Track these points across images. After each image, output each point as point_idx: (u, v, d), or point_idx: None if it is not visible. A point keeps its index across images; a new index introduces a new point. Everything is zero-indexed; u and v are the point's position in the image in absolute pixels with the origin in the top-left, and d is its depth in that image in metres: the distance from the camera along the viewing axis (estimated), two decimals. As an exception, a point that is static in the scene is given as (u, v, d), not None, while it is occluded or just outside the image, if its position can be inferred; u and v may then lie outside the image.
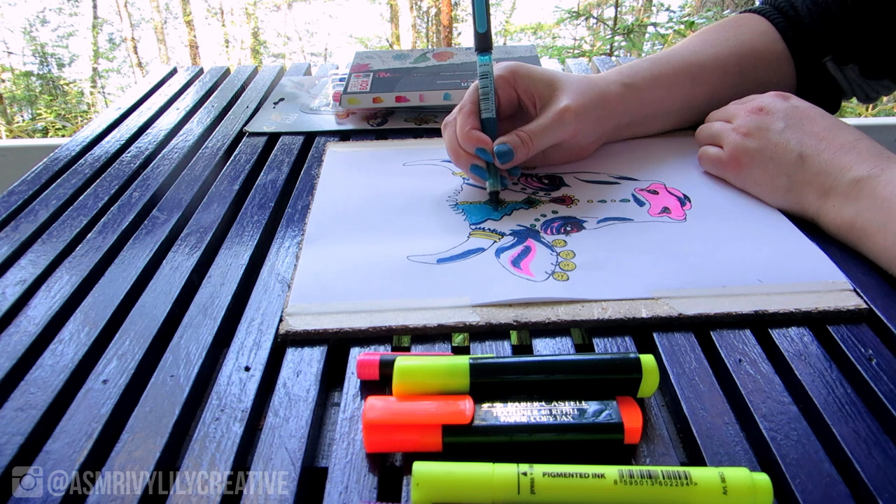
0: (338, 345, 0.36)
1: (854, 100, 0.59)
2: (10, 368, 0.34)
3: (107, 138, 0.64)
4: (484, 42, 0.48)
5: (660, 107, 0.55)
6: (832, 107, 0.57)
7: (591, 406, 0.29)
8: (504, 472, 0.26)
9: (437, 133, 0.63)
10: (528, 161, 0.51)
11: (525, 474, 0.26)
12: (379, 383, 0.33)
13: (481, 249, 0.43)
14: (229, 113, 0.70)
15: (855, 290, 0.38)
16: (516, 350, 0.36)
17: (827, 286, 0.38)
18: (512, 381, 0.31)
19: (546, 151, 0.52)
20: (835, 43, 0.55)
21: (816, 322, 0.36)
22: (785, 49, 0.56)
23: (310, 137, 0.63)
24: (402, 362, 0.31)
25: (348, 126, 0.65)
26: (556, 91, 0.49)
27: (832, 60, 0.56)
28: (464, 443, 0.28)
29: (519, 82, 0.50)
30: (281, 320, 0.37)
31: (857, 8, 0.53)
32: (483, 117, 0.48)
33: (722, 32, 0.57)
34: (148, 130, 0.66)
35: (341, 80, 0.69)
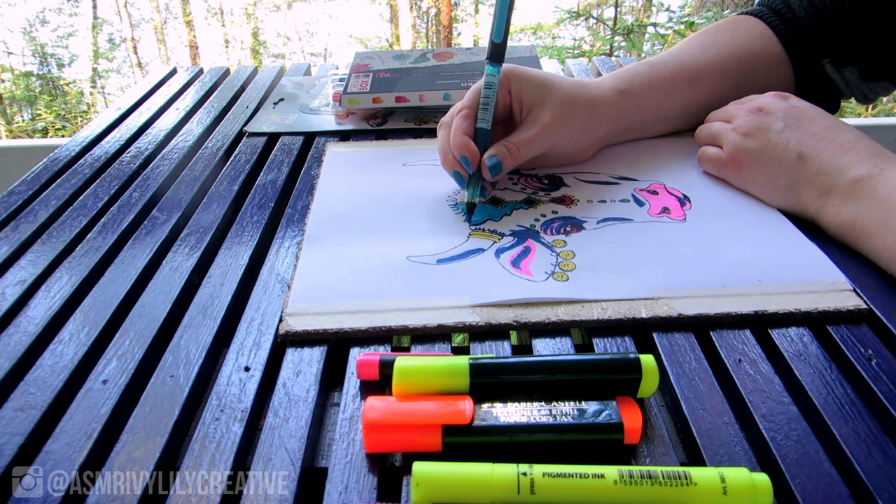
0: (338, 345, 0.36)
1: (853, 100, 0.59)
2: (10, 368, 0.34)
3: (107, 138, 0.64)
4: (497, 52, 0.47)
5: (657, 112, 0.55)
6: (831, 108, 0.57)
7: (590, 406, 0.29)
8: (504, 472, 0.26)
9: (436, 133, 0.63)
10: (526, 165, 0.51)
11: (525, 474, 0.26)
12: (379, 383, 0.33)
13: (481, 250, 0.43)
14: (229, 113, 0.70)
15: (855, 290, 0.38)
16: (516, 350, 0.36)
17: (827, 286, 0.38)
18: (512, 381, 0.31)
19: (541, 157, 0.51)
20: (833, 45, 0.55)
21: (816, 322, 0.36)
22: (782, 51, 0.56)
23: (310, 137, 0.63)
24: (402, 362, 0.31)
25: (348, 126, 0.65)
26: (543, 100, 0.49)
27: (830, 63, 0.55)
28: (464, 443, 0.28)
29: (512, 85, 0.50)
30: (281, 320, 0.37)
31: (856, 9, 0.53)
32: (478, 126, 0.48)
33: (719, 35, 0.57)
34: (148, 131, 0.66)
35: (341, 80, 0.69)
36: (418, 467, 0.26)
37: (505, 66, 0.50)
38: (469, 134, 0.47)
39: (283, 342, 0.36)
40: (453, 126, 0.48)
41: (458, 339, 0.39)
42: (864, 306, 0.37)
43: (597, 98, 0.51)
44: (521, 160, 0.48)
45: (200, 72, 0.84)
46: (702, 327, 0.36)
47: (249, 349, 0.35)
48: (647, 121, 0.55)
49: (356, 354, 0.35)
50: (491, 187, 0.50)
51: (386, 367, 0.33)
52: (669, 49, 0.58)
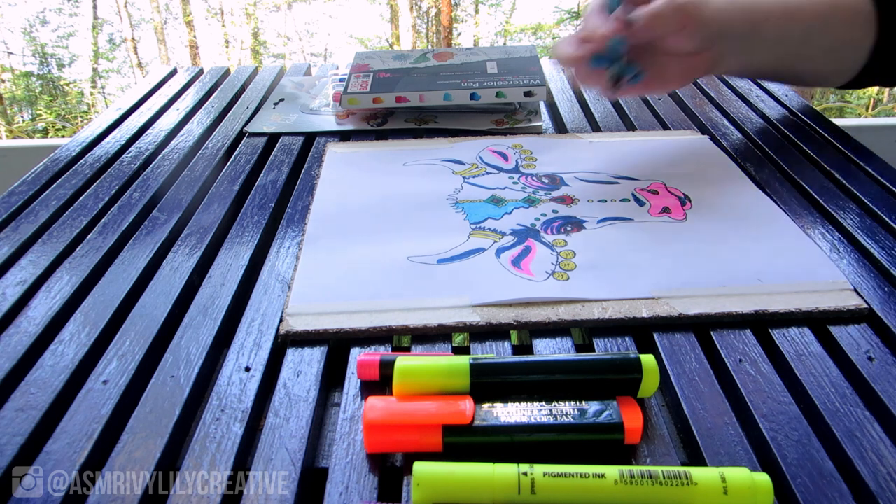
0: (338, 345, 0.36)
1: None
2: (10, 369, 0.34)
3: (107, 139, 0.64)
4: None
5: (759, 29, 0.53)
6: None
7: (591, 406, 0.29)
8: (504, 472, 0.26)
9: (437, 133, 0.63)
10: (646, 87, 0.51)
11: (525, 474, 0.26)
12: (379, 383, 0.33)
13: (481, 249, 0.43)
14: (229, 113, 0.70)
15: (855, 290, 0.38)
16: (516, 350, 0.36)
17: (827, 286, 0.38)
18: (512, 381, 0.31)
19: (657, 62, 0.51)
20: None
21: (816, 322, 0.36)
22: (871, 10, 0.54)
23: (310, 138, 0.63)
24: (403, 362, 0.31)
25: (348, 126, 0.65)
26: None
27: None
28: (464, 443, 0.28)
29: None
30: (281, 320, 0.37)
31: None
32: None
33: None
34: (148, 131, 0.66)
35: (341, 80, 0.69)
36: (419, 467, 0.26)
37: None
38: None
39: (284, 342, 0.36)
40: (590, 22, 0.49)
41: (458, 339, 0.39)
42: (865, 306, 0.37)
43: None
44: (653, 29, 0.48)
45: (201, 72, 0.84)
46: (702, 327, 0.36)
47: (250, 349, 0.35)
48: (749, 36, 0.53)
49: (357, 354, 0.35)
50: (627, 74, 0.49)
51: (386, 367, 0.33)
52: None
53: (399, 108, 0.67)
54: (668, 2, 0.48)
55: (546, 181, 0.51)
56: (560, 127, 0.64)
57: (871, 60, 0.55)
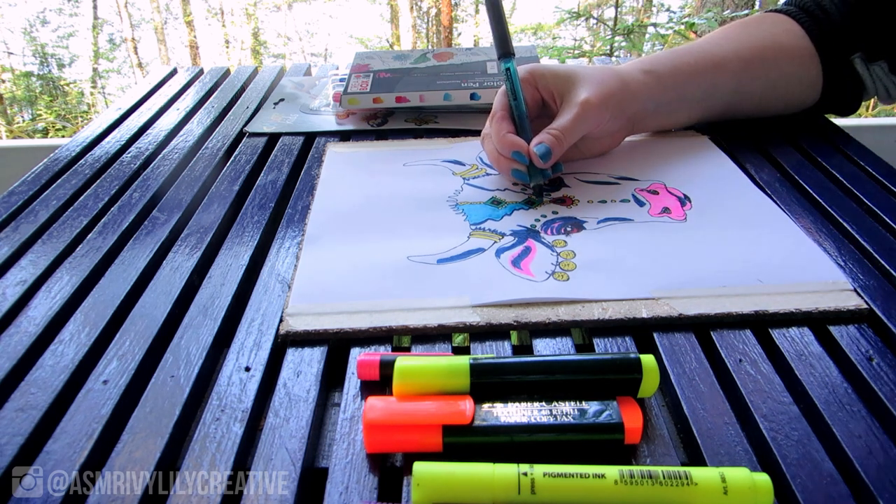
0: (338, 345, 0.36)
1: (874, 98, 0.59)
2: (10, 369, 0.34)
3: (107, 139, 0.64)
4: (503, 50, 0.50)
5: (683, 92, 0.55)
6: (853, 104, 0.58)
7: (591, 406, 0.29)
8: (504, 472, 0.26)
9: (437, 133, 0.63)
10: (565, 157, 0.51)
11: (525, 474, 0.26)
12: (379, 384, 0.33)
13: (481, 250, 0.43)
14: (229, 113, 0.70)
15: (855, 290, 0.38)
16: (516, 350, 0.36)
17: (827, 286, 0.38)
18: (512, 381, 0.31)
19: (580, 145, 0.52)
20: (865, 39, 0.55)
21: (816, 322, 0.36)
22: (810, 45, 0.56)
23: (310, 138, 0.63)
24: (403, 362, 0.31)
25: (348, 126, 0.65)
26: (574, 85, 0.50)
27: (861, 58, 0.56)
28: (464, 443, 0.28)
29: (538, 81, 0.51)
30: (281, 321, 0.37)
31: (887, 2, 0.53)
32: (516, 116, 0.50)
33: (743, 28, 0.58)
34: (148, 131, 0.66)
35: (341, 80, 0.69)
36: (419, 467, 0.26)
37: (527, 66, 0.52)
38: (511, 132, 0.49)
39: (284, 342, 0.36)
40: (493, 132, 0.49)
41: (458, 339, 0.39)
42: (865, 306, 0.37)
43: (625, 78, 0.52)
44: (568, 143, 0.48)
45: (201, 72, 0.84)
46: (702, 327, 0.36)
47: (250, 349, 0.35)
48: (673, 101, 0.55)
49: (357, 354, 0.35)
50: (552, 171, 0.50)
51: (386, 367, 0.33)
52: (692, 41, 0.59)
53: (399, 108, 0.67)
54: (581, 111, 0.48)
55: (546, 182, 0.51)
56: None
57: (823, 92, 0.57)
